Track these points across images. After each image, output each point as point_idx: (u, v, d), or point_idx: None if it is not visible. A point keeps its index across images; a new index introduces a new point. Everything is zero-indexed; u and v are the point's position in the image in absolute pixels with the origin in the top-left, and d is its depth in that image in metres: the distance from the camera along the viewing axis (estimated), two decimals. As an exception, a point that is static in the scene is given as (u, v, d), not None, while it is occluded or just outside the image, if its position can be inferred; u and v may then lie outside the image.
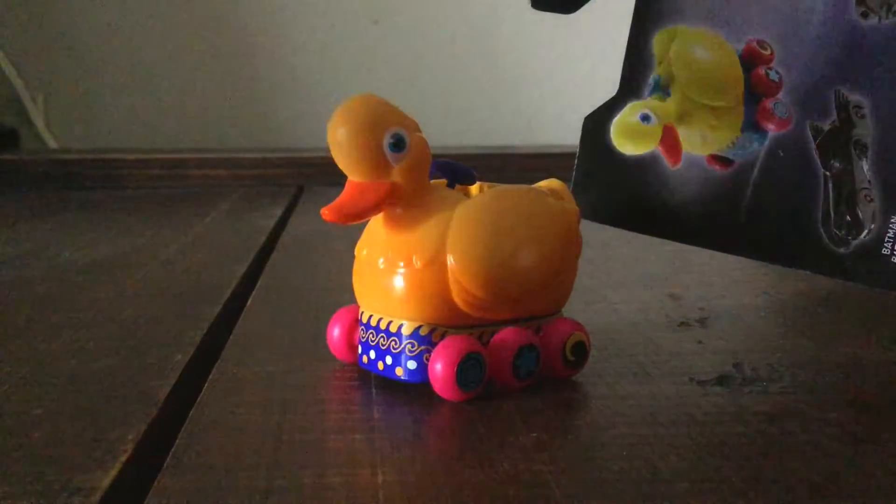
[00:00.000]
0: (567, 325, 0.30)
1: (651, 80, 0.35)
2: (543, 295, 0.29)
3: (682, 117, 0.35)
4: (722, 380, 0.30)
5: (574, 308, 0.31)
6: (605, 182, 0.36)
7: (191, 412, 0.27)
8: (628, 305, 0.39)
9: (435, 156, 0.29)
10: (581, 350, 0.30)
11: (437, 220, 0.28)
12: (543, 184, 0.31)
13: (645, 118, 0.35)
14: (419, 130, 0.28)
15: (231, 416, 0.26)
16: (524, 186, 0.30)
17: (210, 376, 0.30)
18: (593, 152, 0.36)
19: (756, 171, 0.33)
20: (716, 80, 0.34)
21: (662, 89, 0.35)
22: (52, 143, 0.99)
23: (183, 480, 0.22)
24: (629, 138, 0.35)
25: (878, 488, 0.22)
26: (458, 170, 0.30)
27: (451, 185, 0.30)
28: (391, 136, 0.27)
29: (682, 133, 0.35)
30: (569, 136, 1.02)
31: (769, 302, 0.41)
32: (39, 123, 0.99)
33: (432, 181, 0.29)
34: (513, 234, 0.28)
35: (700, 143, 0.34)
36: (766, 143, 0.33)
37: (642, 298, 0.40)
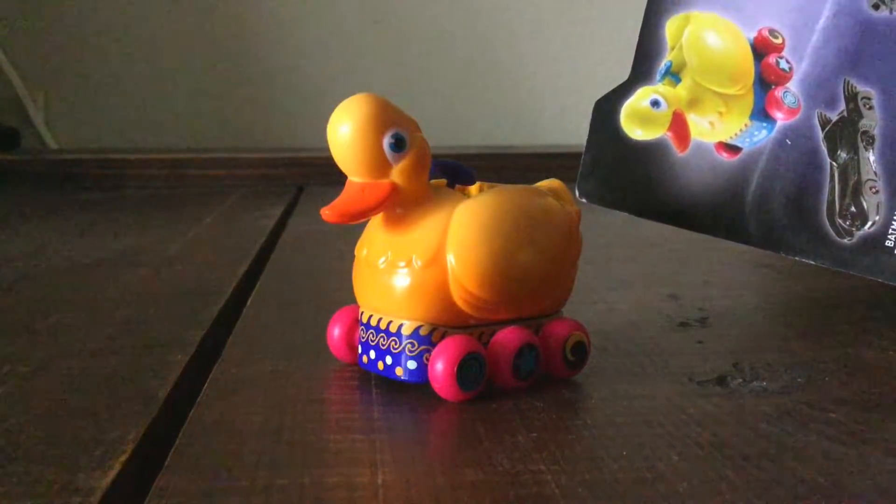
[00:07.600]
0: (567, 325, 0.30)
1: (663, 65, 0.35)
2: (543, 295, 0.29)
3: (692, 103, 0.35)
4: (722, 380, 0.30)
5: (574, 308, 0.31)
6: (612, 166, 0.36)
7: (191, 412, 0.27)
8: (628, 305, 0.39)
9: (435, 156, 0.29)
10: (581, 350, 0.30)
11: (437, 220, 0.28)
12: (543, 184, 0.31)
13: (655, 103, 0.35)
14: (419, 130, 0.28)
15: (231, 416, 0.26)
16: (524, 186, 0.30)
17: (210, 376, 0.30)
18: (602, 136, 0.36)
19: (763, 159, 0.33)
20: (727, 67, 0.34)
21: (673, 75, 0.35)
22: (52, 143, 0.99)
23: (183, 480, 0.22)
24: (639, 123, 0.35)
25: (879, 488, 0.22)
26: (458, 170, 0.30)
27: (451, 185, 0.30)
28: (391, 136, 0.27)
29: (691, 119, 0.35)
30: (569, 136, 1.02)
31: (769, 302, 0.40)
32: (39, 123, 0.99)
33: (432, 181, 0.29)
34: (513, 234, 0.28)
35: (709, 130, 0.34)
36: (774, 131, 0.33)
37: (642, 298, 0.40)
